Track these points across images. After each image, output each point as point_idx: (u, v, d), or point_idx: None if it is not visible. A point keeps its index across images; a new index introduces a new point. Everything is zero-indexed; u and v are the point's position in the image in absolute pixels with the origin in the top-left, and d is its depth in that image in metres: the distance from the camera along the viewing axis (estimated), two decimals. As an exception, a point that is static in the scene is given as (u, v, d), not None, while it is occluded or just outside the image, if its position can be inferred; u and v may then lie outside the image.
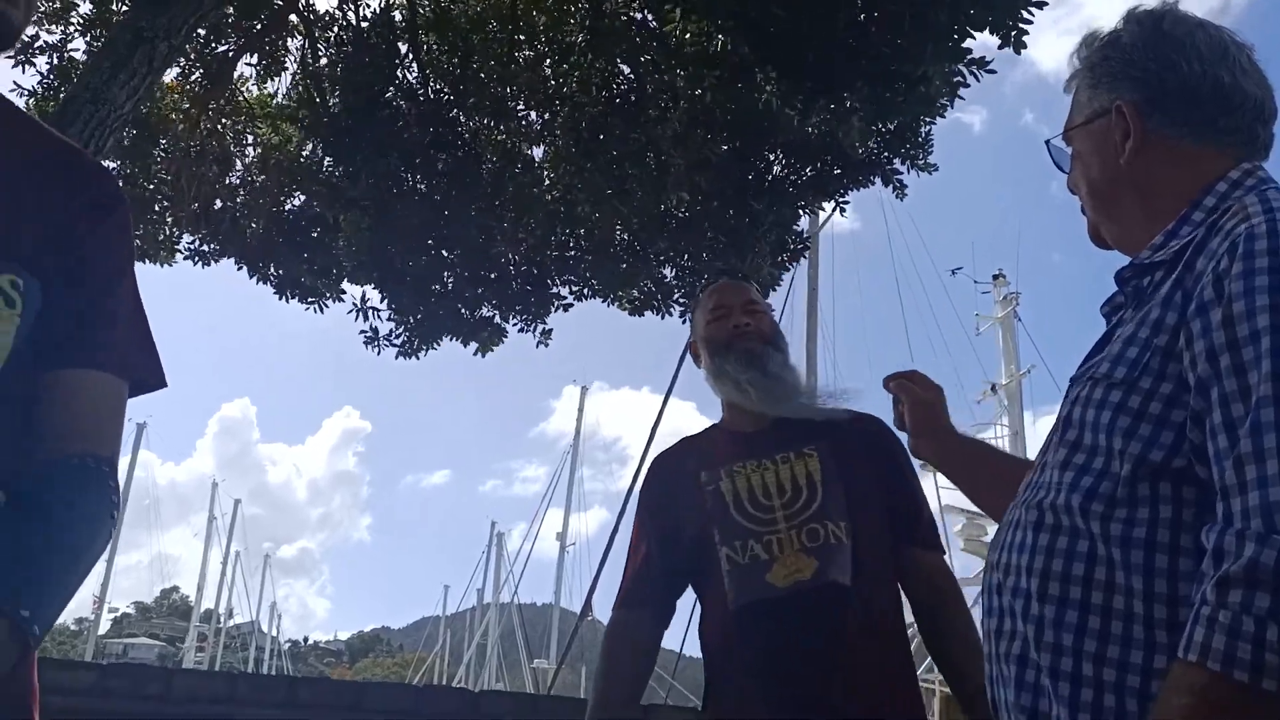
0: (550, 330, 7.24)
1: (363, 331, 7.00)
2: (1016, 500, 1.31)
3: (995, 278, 25.89)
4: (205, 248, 6.64)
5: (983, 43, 5.00)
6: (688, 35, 5.26)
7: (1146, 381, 1.14)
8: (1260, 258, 1.05)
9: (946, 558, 2.45)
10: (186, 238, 6.66)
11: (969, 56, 4.64)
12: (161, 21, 4.20)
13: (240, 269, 6.66)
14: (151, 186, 6.26)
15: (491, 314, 7.17)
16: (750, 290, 2.59)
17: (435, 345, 7.16)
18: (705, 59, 5.10)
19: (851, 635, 2.14)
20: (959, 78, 4.78)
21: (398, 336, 7.07)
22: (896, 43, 4.51)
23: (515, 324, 7.22)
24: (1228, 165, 1.30)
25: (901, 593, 2.34)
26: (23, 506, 1.11)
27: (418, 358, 7.15)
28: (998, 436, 23.90)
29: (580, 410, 45.86)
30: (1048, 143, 1.51)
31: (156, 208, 6.36)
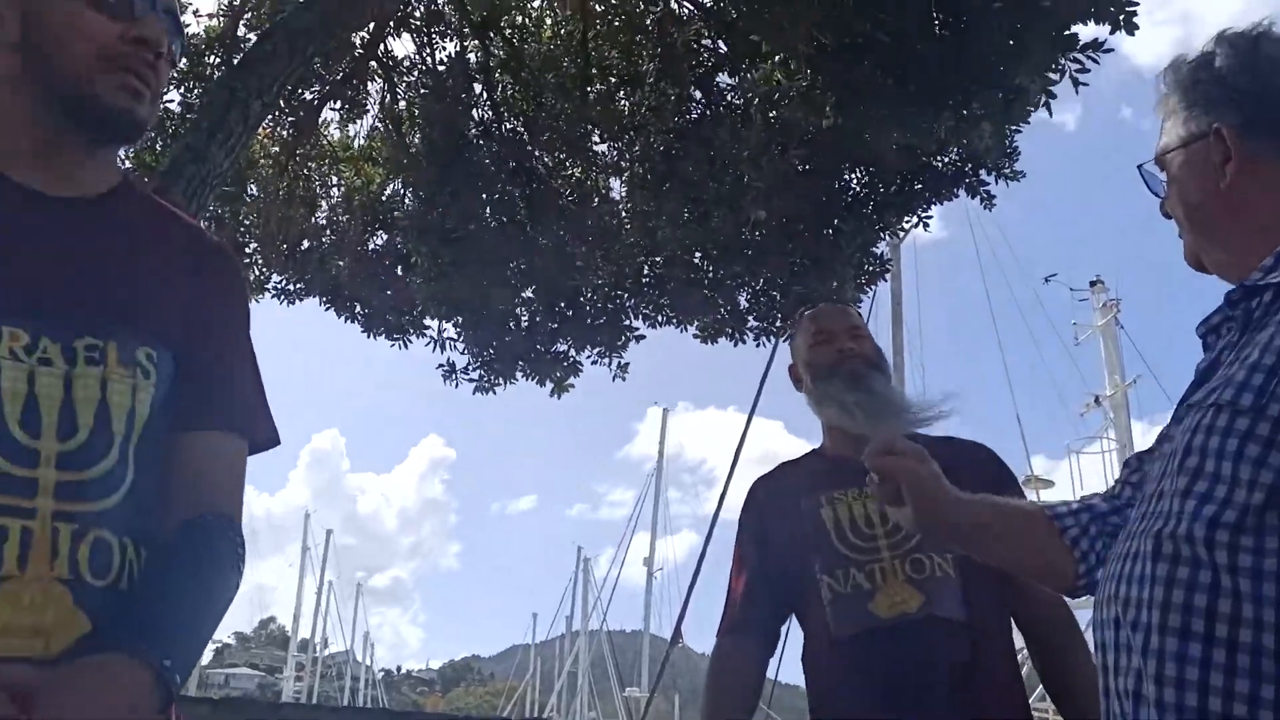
0: (627, 364, 7.26)
1: (440, 366, 7.13)
2: (1130, 530, 1.27)
3: (1093, 284, 25.05)
4: (292, 286, 6.86)
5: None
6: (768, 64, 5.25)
7: (1275, 409, 1.11)
8: None
9: None
10: (276, 277, 6.88)
11: (1079, 44, 4.51)
12: (254, 81, 4.38)
13: (327, 309, 6.86)
14: (243, 229, 6.52)
15: (566, 348, 7.23)
16: (853, 315, 2.57)
17: (511, 380, 7.25)
18: (781, 79, 5.08)
19: (964, 668, 2.09)
20: (1077, 66, 4.62)
21: (474, 370, 7.18)
22: (1007, 44, 4.45)
23: (590, 358, 7.27)
24: None
25: (1014, 624, 2.28)
26: (161, 563, 1.21)
27: (494, 393, 7.26)
28: (1105, 450, 23.11)
29: (663, 433, 45.81)
30: (1140, 167, 1.49)
31: (247, 249, 6.61)
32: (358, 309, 7.11)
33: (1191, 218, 1.38)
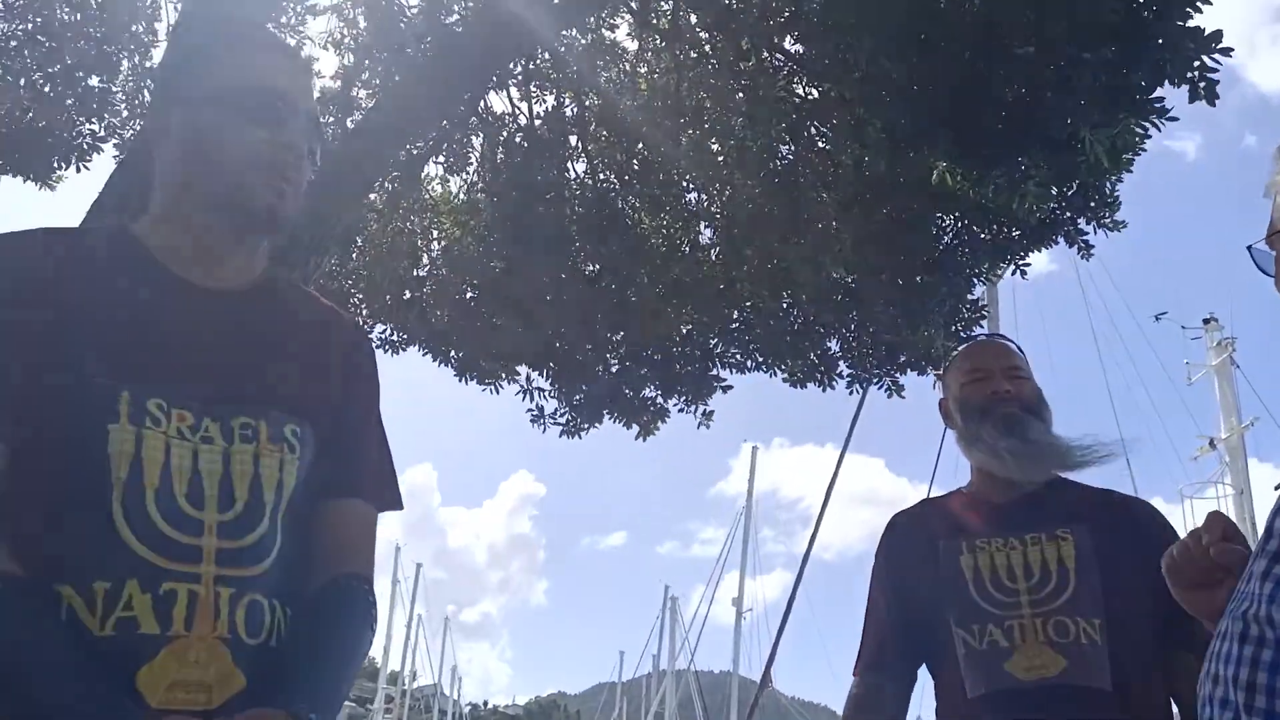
0: (711, 412, 7.34)
1: (529, 410, 7.33)
2: (1228, 608, 1.29)
3: (1206, 322, 24.16)
4: (396, 337, 7.12)
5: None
6: (856, 111, 5.29)
7: None
8: None
9: None
10: (380, 327, 7.15)
11: (1151, 112, 4.44)
12: (368, 147, 4.60)
13: (425, 354, 7.09)
14: (350, 282, 6.80)
15: (654, 394, 7.33)
16: (1013, 353, 2.42)
17: (597, 424, 7.38)
18: (869, 134, 5.12)
19: None
20: (1141, 131, 4.55)
21: (562, 415, 7.34)
22: (1076, 104, 4.40)
23: (676, 405, 7.35)
24: None
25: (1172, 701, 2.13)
26: (305, 622, 1.35)
27: (580, 436, 7.41)
28: (1220, 496, 22.16)
29: (752, 471, 45.24)
30: (1251, 248, 1.46)
31: (352, 301, 6.88)
32: (452, 354, 7.32)
33: None
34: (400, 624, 52.31)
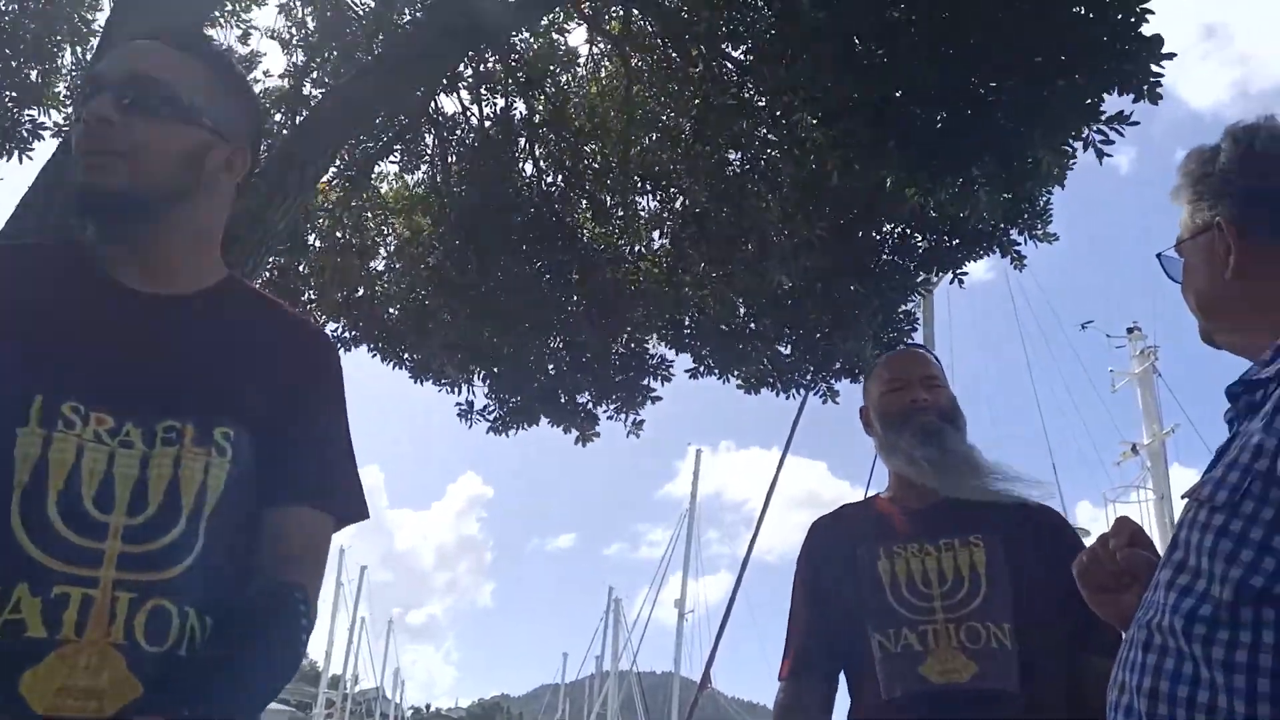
0: (642, 422, 7.38)
1: (458, 404, 7.27)
2: (1136, 616, 1.33)
3: (1130, 331, 24.84)
4: (347, 334, 7.12)
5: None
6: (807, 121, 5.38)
7: (1248, 506, 1.14)
8: None
9: None
10: (331, 325, 7.14)
11: (1106, 115, 4.53)
12: (311, 144, 4.60)
13: (374, 355, 7.11)
14: (301, 278, 6.79)
15: (586, 400, 7.34)
16: (930, 363, 2.49)
17: (526, 426, 7.38)
18: (821, 143, 5.19)
19: None
20: (1101, 137, 4.64)
21: (491, 413, 7.32)
22: (1025, 115, 4.49)
23: (606, 412, 7.37)
24: None
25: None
26: (222, 630, 1.31)
27: (508, 435, 7.41)
28: (1142, 500, 22.75)
29: (696, 473, 45.61)
30: (1160, 255, 1.54)
31: (303, 299, 6.88)
32: (406, 355, 7.33)
33: (1201, 304, 1.44)
34: (343, 627, 51.66)
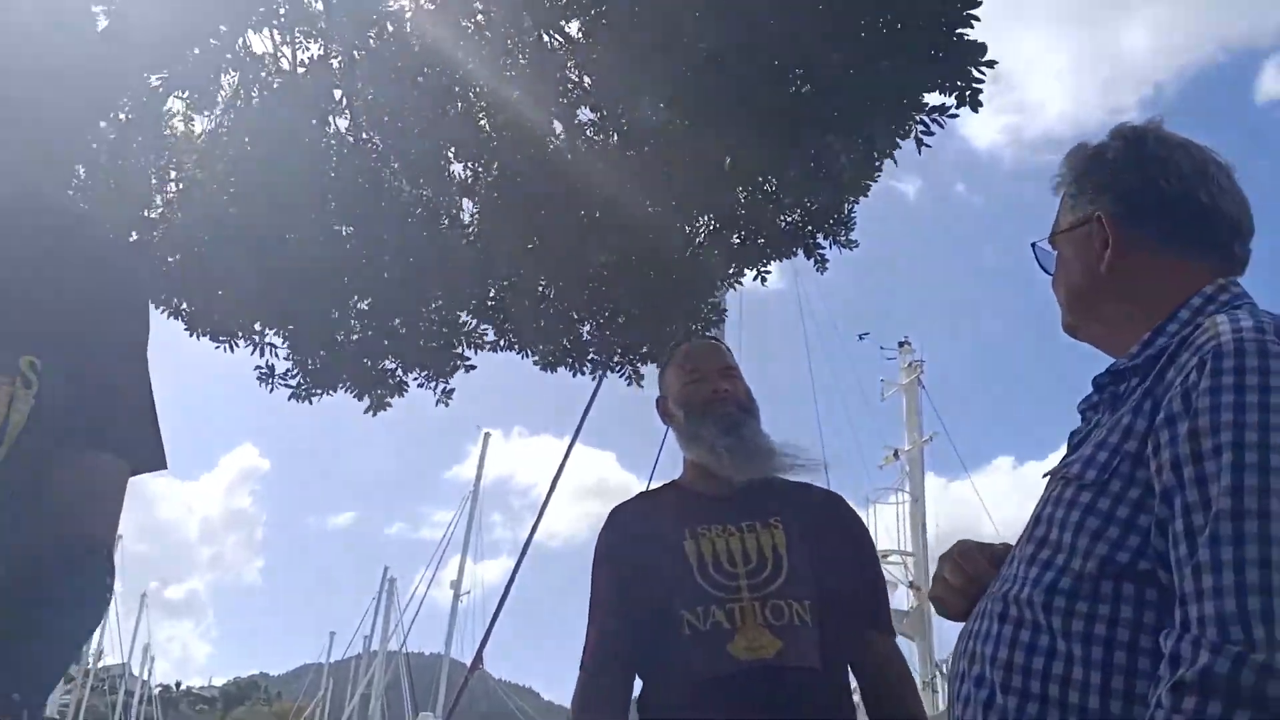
0: (452, 390, 7.17)
1: (258, 368, 6.85)
2: (990, 590, 1.34)
3: (901, 344, 26.66)
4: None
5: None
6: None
7: (1116, 485, 1.19)
8: (1226, 375, 1.12)
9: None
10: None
11: (926, 107, 4.72)
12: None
13: (156, 308, 6.52)
14: (68, 214, 6.12)
15: (394, 367, 7.07)
16: (727, 355, 2.59)
17: (330, 392, 7.03)
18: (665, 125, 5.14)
19: (815, 717, 2.13)
20: (923, 128, 4.81)
21: (292, 377, 6.93)
22: (863, 93, 4.57)
23: (416, 380, 7.12)
24: (1205, 279, 1.37)
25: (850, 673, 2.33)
26: (18, 590, 1.17)
27: (310, 402, 7.03)
28: (900, 502, 24.44)
29: (482, 456, 45.43)
30: (1034, 245, 1.57)
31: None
32: (183, 306, 6.78)
33: (1072, 295, 1.48)
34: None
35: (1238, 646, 0.98)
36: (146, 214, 6.51)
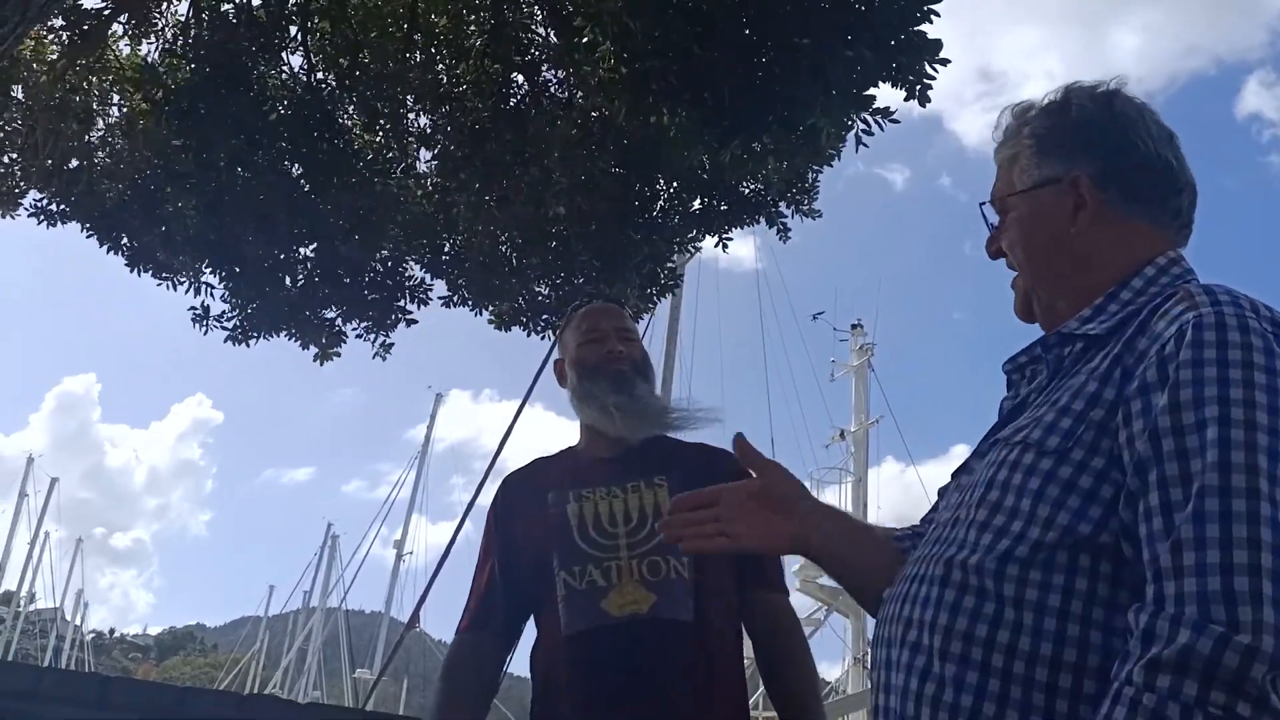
0: (391, 344, 6.98)
1: (192, 308, 6.59)
2: (921, 554, 1.29)
3: (854, 327, 26.80)
4: (54, 207, 6.21)
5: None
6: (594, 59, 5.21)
7: (1079, 454, 1.15)
8: (1209, 348, 1.09)
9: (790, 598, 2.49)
10: (35, 194, 6.22)
11: (873, 106, 4.65)
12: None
13: (90, 236, 6.27)
14: (2, 135, 5.85)
15: (334, 316, 6.87)
16: (624, 316, 2.62)
17: (268, 337, 6.81)
18: (609, 83, 5.05)
19: (688, 670, 2.15)
20: (864, 127, 4.69)
21: (229, 320, 6.71)
22: (798, 91, 4.51)
23: (356, 331, 6.92)
24: (1163, 246, 1.35)
25: (743, 630, 2.37)
26: None
27: (248, 345, 6.79)
28: (843, 482, 24.66)
29: (432, 417, 45.37)
30: (982, 205, 1.51)
31: (5, 158, 5.94)
32: (124, 240, 6.54)
33: (1032, 258, 1.42)
34: (23, 542, 47.15)
35: (1221, 626, 0.94)
36: (87, 139, 6.24)
